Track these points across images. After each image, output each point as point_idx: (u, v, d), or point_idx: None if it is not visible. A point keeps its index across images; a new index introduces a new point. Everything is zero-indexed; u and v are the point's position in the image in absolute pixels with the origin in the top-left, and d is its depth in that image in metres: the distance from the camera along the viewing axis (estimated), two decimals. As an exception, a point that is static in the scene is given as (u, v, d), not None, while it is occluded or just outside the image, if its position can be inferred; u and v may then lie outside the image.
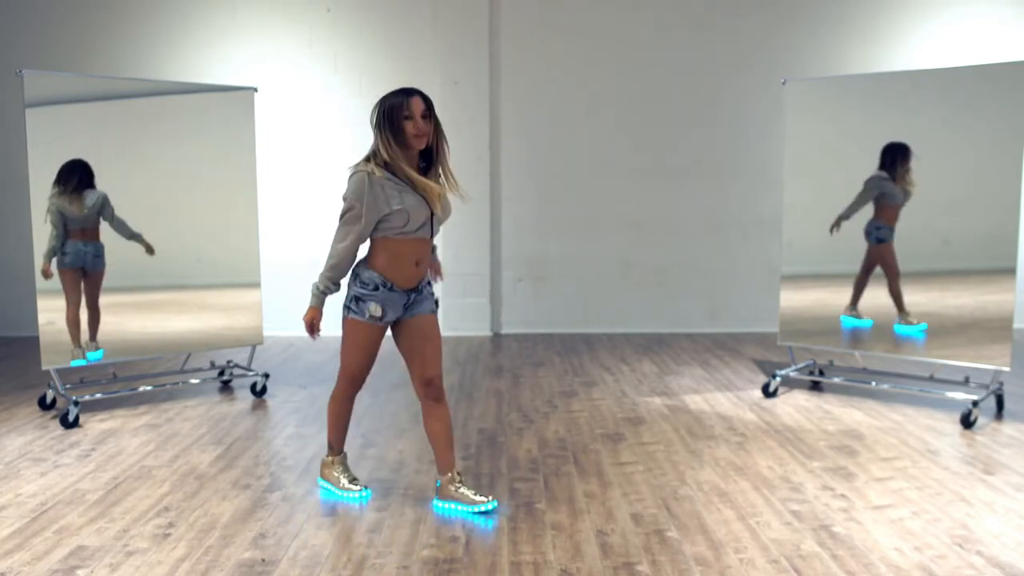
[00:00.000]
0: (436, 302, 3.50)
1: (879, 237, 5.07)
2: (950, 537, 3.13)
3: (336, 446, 3.65)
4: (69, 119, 4.82)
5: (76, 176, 4.82)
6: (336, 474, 3.62)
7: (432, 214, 3.32)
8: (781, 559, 2.95)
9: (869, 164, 5.06)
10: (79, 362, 4.95)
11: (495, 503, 3.40)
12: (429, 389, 3.42)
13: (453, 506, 3.42)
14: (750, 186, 7.50)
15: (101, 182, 4.91)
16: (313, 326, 3.37)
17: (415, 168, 3.30)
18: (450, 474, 3.45)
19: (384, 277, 3.31)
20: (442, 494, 3.46)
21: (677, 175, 7.59)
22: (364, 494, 3.56)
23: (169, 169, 5.18)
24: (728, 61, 7.45)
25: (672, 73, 7.48)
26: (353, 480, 3.62)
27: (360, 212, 3.22)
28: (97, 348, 5.03)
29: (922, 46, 7.34)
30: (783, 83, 5.38)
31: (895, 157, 4.96)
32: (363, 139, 7.42)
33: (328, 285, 3.36)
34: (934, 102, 4.94)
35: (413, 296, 3.39)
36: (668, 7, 7.43)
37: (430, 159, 3.35)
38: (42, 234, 4.74)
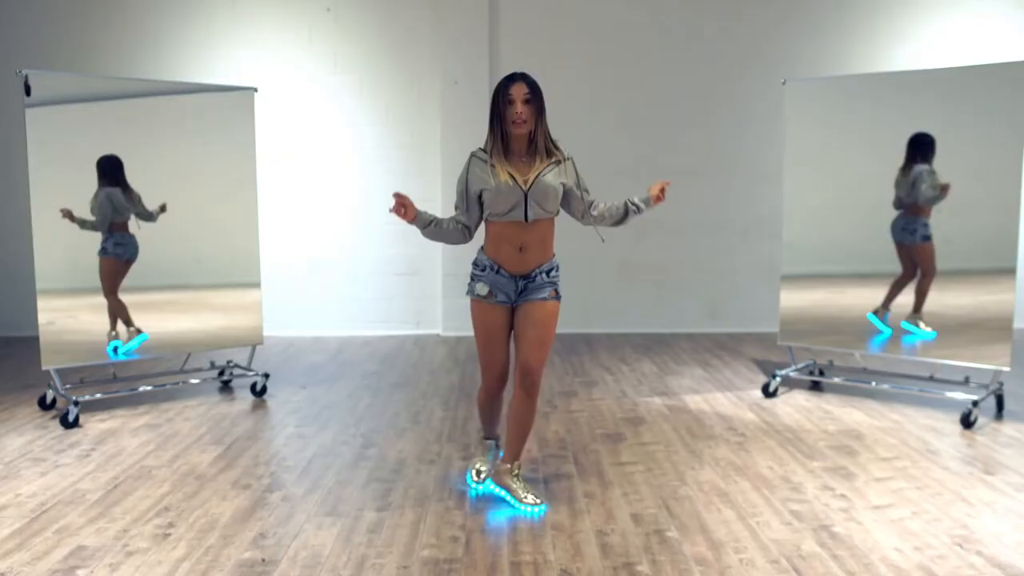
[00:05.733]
0: (556, 292, 3.45)
1: (925, 235, 4.95)
2: (950, 537, 3.13)
3: (487, 435, 3.74)
4: (69, 119, 4.82)
5: (120, 172, 4.98)
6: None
7: (527, 198, 3.33)
8: (781, 559, 2.95)
9: (869, 164, 5.06)
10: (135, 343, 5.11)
11: (544, 508, 3.41)
12: (524, 379, 3.38)
13: (502, 492, 3.51)
14: (750, 186, 7.50)
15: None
16: (405, 205, 3.31)
17: (522, 152, 3.41)
18: (511, 464, 3.50)
19: (492, 260, 3.40)
20: (497, 478, 3.54)
21: (677, 175, 7.51)
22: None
23: (169, 169, 5.18)
24: (728, 61, 7.45)
25: (672, 73, 7.48)
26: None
27: (459, 190, 3.44)
28: (138, 332, 5.13)
29: (922, 46, 7.34)
30: (783, 83, 5.38)
31: (928, 148, 4.88)
32: (363, 138, 7.54)
33: (427, 221, 3.41)
34: (934, 102, 4.94)
35: (524, 283, 3.41)
36: (668, 7, 7.43)
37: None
38: (42, 233, 4.73)
